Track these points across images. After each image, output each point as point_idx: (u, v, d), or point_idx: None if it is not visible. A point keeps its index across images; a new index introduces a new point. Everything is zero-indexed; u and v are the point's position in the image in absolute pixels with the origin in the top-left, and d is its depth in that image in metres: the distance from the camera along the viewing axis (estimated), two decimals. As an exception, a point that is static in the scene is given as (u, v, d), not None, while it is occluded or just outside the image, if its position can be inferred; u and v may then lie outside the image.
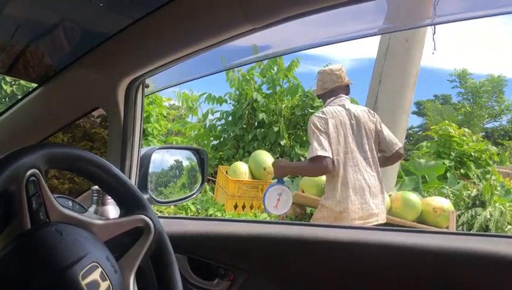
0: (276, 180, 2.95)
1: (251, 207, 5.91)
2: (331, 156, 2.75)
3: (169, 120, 9.56)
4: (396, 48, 6.98)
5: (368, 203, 2.84)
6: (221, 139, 7.94)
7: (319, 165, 2.78)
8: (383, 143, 2.97)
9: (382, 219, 2.91)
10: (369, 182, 2.86)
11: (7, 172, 0.60)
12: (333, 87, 3.00)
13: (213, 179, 6.51)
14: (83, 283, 0.62)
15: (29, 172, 0.63)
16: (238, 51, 1.20)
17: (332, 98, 3.00)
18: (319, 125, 2.81)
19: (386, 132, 2.99)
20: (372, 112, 3.05)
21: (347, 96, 3.04)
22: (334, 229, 1.26)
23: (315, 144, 2.78)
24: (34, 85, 1.18)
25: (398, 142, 3.00)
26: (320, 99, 3.22)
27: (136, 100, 1.09)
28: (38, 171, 0.65)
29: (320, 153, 2.74)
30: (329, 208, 2.90)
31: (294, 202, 5.47)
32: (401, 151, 3.01)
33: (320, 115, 2.90)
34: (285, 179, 6.59)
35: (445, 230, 4.45)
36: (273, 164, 3.21)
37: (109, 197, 0.97)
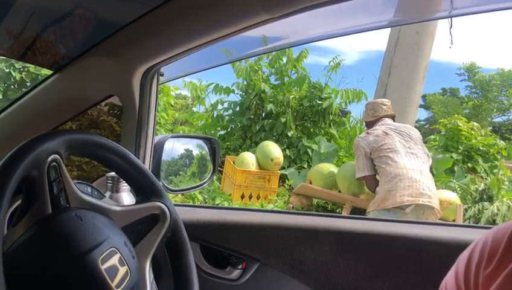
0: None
1: (258, 197, 5.93)
2: (368, 173, 3.47)
3: (177, 109, 9.55)
4: (406, 40, 6.93)
5: (418, 182, 3.21)
6: (229, 130, 7.92)
7: (366, 184, 3.63)
8: None
9: (434, 203, 3.12)
10: (419, 167, 3.33)
11: (30, 157, 0.61)
12: (383, 115, 3.66)
13: (220, 169, 6.53)
14: (102, 267, 0.63)
15: (50, 157, 0.64)
16: (248, 42, 1.20)
17: (380, 124, 3.63)
18: (359, 146, 3.50)
19: (425, 148, 3.61)
20: (414, 128, 3.76)
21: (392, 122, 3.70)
22: (346, 220, 1.26)
23: (357, 167, 3.61)
24: (44, 72, 1.18)
25: (430, 158, 3.63)
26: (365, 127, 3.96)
27: (151, 88, 1.10)
28: (59, 157, 0.66)
29: (358, 175, 3.56)
30: (379, 190, 3.35)
31: (301, 193, 5.48)
32: (432, 169, 3.68)
33: (362, 135, 3.62)
34: (292, 170, 6.64)
35: (458, 223, 4.45)
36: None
37: (124, 184, 0.98)
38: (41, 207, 0.64)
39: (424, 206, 3.15)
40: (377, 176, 3.43)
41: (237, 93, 8.01)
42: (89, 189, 0.75)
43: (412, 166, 3.28)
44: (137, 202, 0.81)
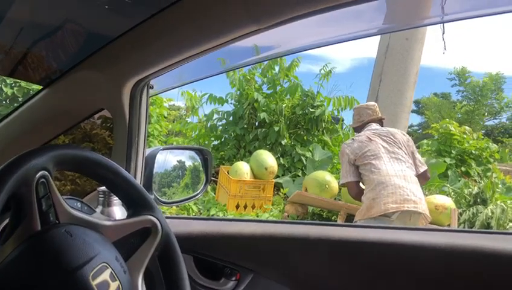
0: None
1: (253, 207, 5.93)
2: (351, 179, 3.35)
3: (170, 121, 9.55)
4: (396, 46, 7.00)
5: (402, 189, 3.13)
6: (222, 139, 7.94)
7: (348, 190, 3.46)
8: (413, 162, 3.43)
9: (421, 208, 3.06)
10: (403, 173, 3.24)
11: (17, 174, 0.61)
12: (369, 120, 3.53)
13: (214, 179, 6.52)
14: (93, 283, 0.63)
15: (39, 174, 0.64)
16: (239, 52, 1.20)
17: (366, 129, 3.51)
18: (344, 153, 3.40)
19: (417, 153, 3.51)
20: (404, 132, 3.62)
21: (379, 126, 3.57)
22: (340, 227, 1.26)
23: (341, 173, 3.50)
24: (36, 87, 1.18)
25: (425, 165, 3.49)
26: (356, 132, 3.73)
27: (141, 101, 1.10)
28: (47, 173, 0.65)
29: (342, 181, 3.45)
30: (364, 199, 3.27)
31: (296, 202, 5.49)
32: (428, 173, 3.51)
33: (348, 142, 3.50)
34: (286, 178, 6.63)
35: (453, 228, 4.47)
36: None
37: (115, 198, 0.97)
38: (31, 224, 0.63)
39: (409, 212, 3.08)
40: (361, 184, 3.38)
41: (231, 103, 8.05)
42: (79, 204, 0.74)
43: (396, 172, 3.20)
44: (128, 216, 0.80)
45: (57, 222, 0.67)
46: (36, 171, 0.64)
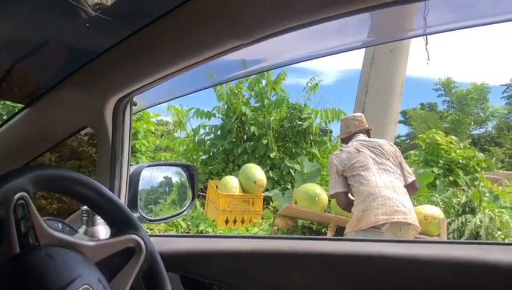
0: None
1: (242, 221, 5.89)
2: (339, 190, 3.33)
3: (158, 136, 9.52)
4: (381, 58, 7.08)
5: (391, 200, 3.11)
6: (211, 154, 7.93)
7: (337, 201, 3.44)
8: (402, 172, 3.42)
9: (411, 219, 3.12)
10: (392, 184, 3.22)
11: None
12: (356, 131, 3.54)
13: (203, 194, 6.48)
14: None
15: (17, 195, 0.62)
16: (226, 67, 1.20)
17: (354, 140, 3.50)
18: (332, 164, 3.37)
19: (404, 164, 3.49)
20: (392, 143, 3.61)
21: (367, 137, 3.57)
22: (329, 242, 1.26)
23: (329, 184, 3.47)
24: (20, 105, 1.17)
25: (413, 175, 3.48)
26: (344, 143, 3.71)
27: (124, 118, 1.09)
28: (26, 194, 0.64)
29: (330, 192, 3.43)
30: (354, 211, 3.24)
31: (285, 215, 5.47)
32: (416, 184, 3.50)
33: (336, 152, 3.48)
34: (276, 191, 6.62)
35: (442, 239, 4.48)
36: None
37: (99, 217, 0.95)
38: (9, 247, 0.62)
39: (399, 223, 3.08)
40: (350, 195, 3.37)
41: (218, 117, 8.06)
42: (60, 225, 0.72)
43: (385, 183, 3.19)
44: (111, 236, 0.79)
45: (37, 244, 0.65)
46: (14, 192, 0.62)
